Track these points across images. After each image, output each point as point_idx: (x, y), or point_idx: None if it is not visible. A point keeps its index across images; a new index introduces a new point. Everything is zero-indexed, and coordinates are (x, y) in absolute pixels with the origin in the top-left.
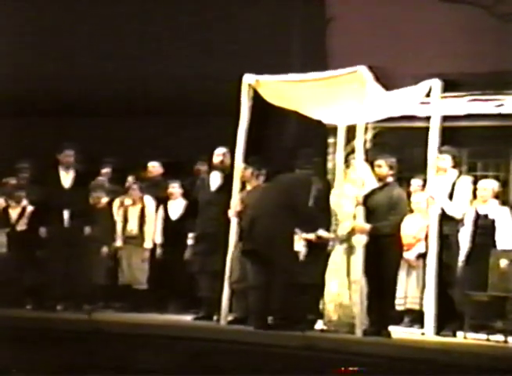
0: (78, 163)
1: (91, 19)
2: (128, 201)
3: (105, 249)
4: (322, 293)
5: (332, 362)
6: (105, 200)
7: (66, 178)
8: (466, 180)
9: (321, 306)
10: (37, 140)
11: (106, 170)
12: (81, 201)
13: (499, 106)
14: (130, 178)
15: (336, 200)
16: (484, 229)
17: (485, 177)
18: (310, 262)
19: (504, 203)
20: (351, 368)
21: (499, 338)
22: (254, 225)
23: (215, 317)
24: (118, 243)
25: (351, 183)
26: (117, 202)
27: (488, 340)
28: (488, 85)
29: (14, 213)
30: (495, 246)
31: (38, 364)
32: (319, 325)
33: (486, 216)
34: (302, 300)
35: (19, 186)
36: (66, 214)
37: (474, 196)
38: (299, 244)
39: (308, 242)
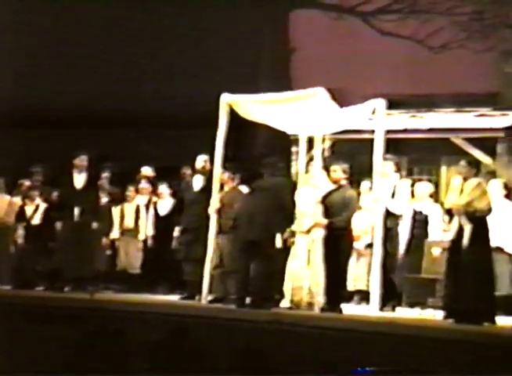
0: (90, 167)
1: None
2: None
3: (105, 240)
4: (286, 277)
5: (294, 333)
6: (105, 199)
7: (79, 179)
8: (406, 183)
9: (286, 288)
10: (49, 148)
11: (105, 174)
12: (90, 200)
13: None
14: (143, 181)
15: (299, 200)
16: (420, 223)
17: (421, 180)
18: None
19: (436, 201)
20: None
21: (430, 312)
22: (247, 221)
23: (197, 297)
24: (116, 235)
25: (312, 186)
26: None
27: (420, 314)
28: (422, 105)
29: (29, 210)
30: (428, 237)
31: (48, 336)
32: (284, 304)
33: (421, 212)
34: (272, 283)
35: (33, 186)
36: (76, 210)
37: (412, 195)
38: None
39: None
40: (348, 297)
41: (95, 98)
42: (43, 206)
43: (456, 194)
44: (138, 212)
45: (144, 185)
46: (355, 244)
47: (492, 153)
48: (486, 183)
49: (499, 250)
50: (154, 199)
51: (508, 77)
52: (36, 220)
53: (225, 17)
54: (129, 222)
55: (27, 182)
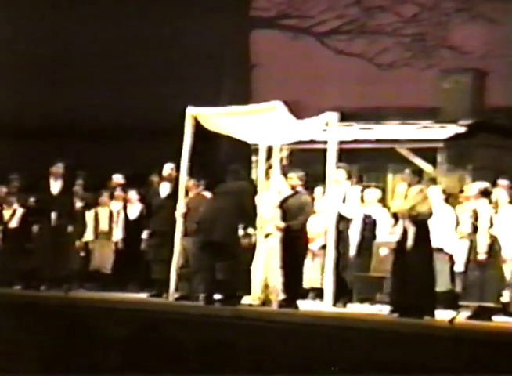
0: (66, 174)
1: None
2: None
3: (78, 242)
4: (250, 276)
5: (255, 328)
6: (79, 204)
7: (55, 186)
8: (356, 189)
9: (253, 286)
10: (27, 157)
11: (79, 181)
12: (66, 205)
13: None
14: (118, 189)
15: (259, 204)
16: (369, 226)
17: (369, 187)
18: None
19: (384, 206)
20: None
21: (378, 307)
22: (210, 224)
23: (165, 295)
24: (90, 237)
25: (270, 191)
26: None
27: (369, 309)
28: (371, 118)
29: (7, 214)
30: (376, 239)
31: (26, 330)
32: (245, 300)
33: (370, 216)
34: (236, 281)
35: (10, 192)
36: (53, 215)
37: (362, 201)
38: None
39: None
40: (304, 294)
41: (71, 111)
42: (20, 211)
43: (401, 199)
44: (112, 216)
45: (119, 192)
46: (310, 246)
47: (433, 162)
48: (427, 189)
49: (439, 250)
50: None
51: (447, 93)
52: (13, 223)
53: (191, 34)
54: (104, 226)
55: (4, 189)
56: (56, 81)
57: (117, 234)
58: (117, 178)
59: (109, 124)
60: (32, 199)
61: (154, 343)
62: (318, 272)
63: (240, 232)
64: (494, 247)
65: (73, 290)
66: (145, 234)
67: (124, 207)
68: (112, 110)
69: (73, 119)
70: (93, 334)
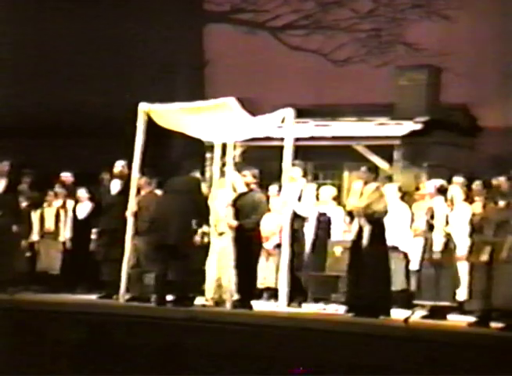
0: (11, 173)
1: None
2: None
3: (24, 243)
4: (203, 276)
5: (209, 329)
6: (25, 203)
7: None
8: (312, 187)
9: (207, 286)
10: None
11: (26, 179)
12: (11, 204)
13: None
14: (57, 186)
15: (213, 202)
16: (324, 224)
17: (325, 184)
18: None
19: (339, 204)
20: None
21: (333, 307)
22: (163, 224)
23: (115, 296)
24: (36, 238)
25: (224, 189)
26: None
27: (324, 309)
28: (327, 114)
29: None
30: (331, 237)
31: None
32: (198, 301)
33: (325, 214)
34: (190, 282)
35: None
36: None
37: (317, 199)
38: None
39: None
40: (258, 294)
41: (17, 107)
42: None
43: (357, 197)
44: (59, 215)
45: (58, 189)
46: (265, 245)
47: (389, 159)
48: (383, 187)
49: (395, 249)
50: (70, 202)
51: (403, 89)
52: None
53: (142, 28)
54: (50, 225)
55: None
56: (2, 78)
57: (65, 234)
58: (66, 177)
59: (60, 121)
60: None
61: (104, 346)
62: (272, 271)
63: (194, 229)
64: (449, 246)
65: (19, 292)
66: (93, 234)
67: (73, 206)
68: (62, 107)
69: (22, 116)
70: (40, 337)
